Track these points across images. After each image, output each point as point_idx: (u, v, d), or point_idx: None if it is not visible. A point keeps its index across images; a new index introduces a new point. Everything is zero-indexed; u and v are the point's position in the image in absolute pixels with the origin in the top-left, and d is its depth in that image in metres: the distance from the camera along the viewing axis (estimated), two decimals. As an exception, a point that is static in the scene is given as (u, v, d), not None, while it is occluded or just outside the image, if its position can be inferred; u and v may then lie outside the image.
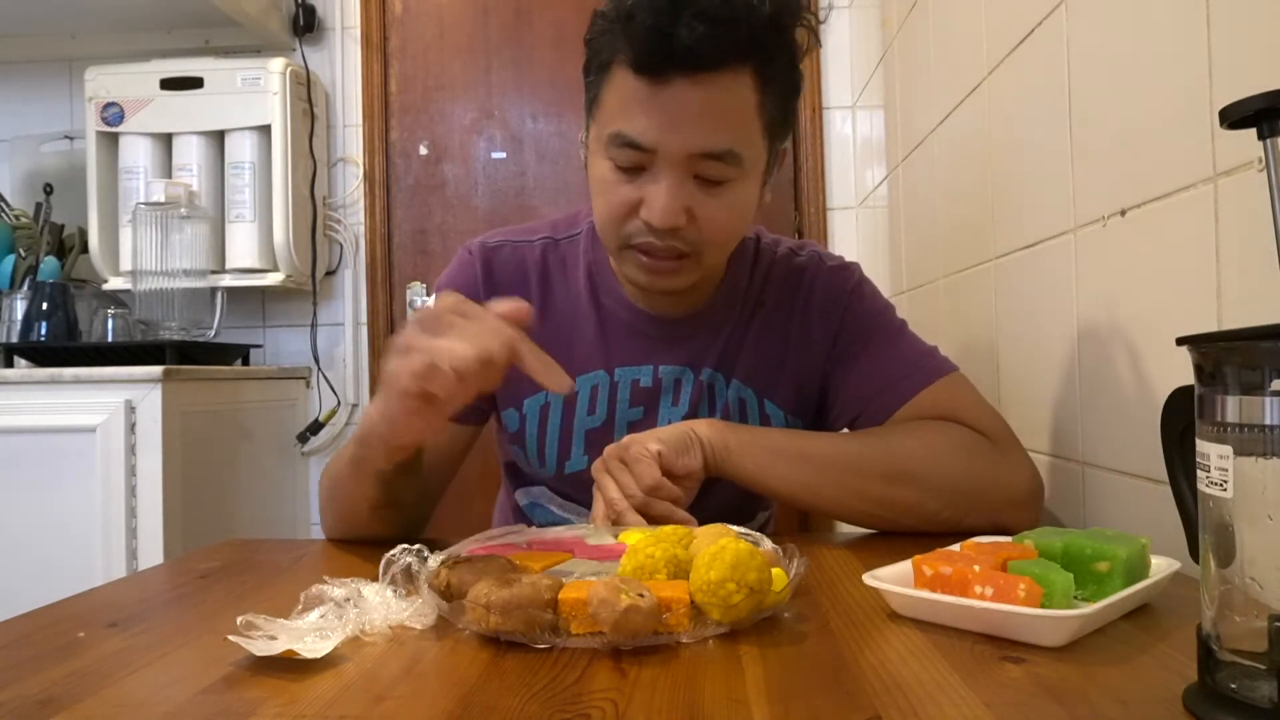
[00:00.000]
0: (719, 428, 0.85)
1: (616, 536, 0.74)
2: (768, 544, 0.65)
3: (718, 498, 0.96)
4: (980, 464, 0.85)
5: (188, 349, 1.87)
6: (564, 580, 0.56)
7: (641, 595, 0.51)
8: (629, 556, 0.60)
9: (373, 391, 2.21)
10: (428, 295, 2.25)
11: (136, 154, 2.10)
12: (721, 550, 0.54)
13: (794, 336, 0.97)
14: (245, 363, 2.11)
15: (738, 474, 0.85)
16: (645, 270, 0.86)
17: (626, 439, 0.82)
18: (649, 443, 0.81)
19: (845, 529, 0.95)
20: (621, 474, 0.79)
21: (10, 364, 1.87)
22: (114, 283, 2.10)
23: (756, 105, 0.81)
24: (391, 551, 0.61)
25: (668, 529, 0.65)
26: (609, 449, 0.82)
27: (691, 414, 0.95)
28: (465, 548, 0.67)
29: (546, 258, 0.98)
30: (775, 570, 0.57)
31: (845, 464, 0.85)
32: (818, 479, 0.84)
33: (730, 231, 0.87)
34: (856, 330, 0.97)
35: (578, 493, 0.98)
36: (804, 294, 0.98)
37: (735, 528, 0.69)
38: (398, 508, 0.82)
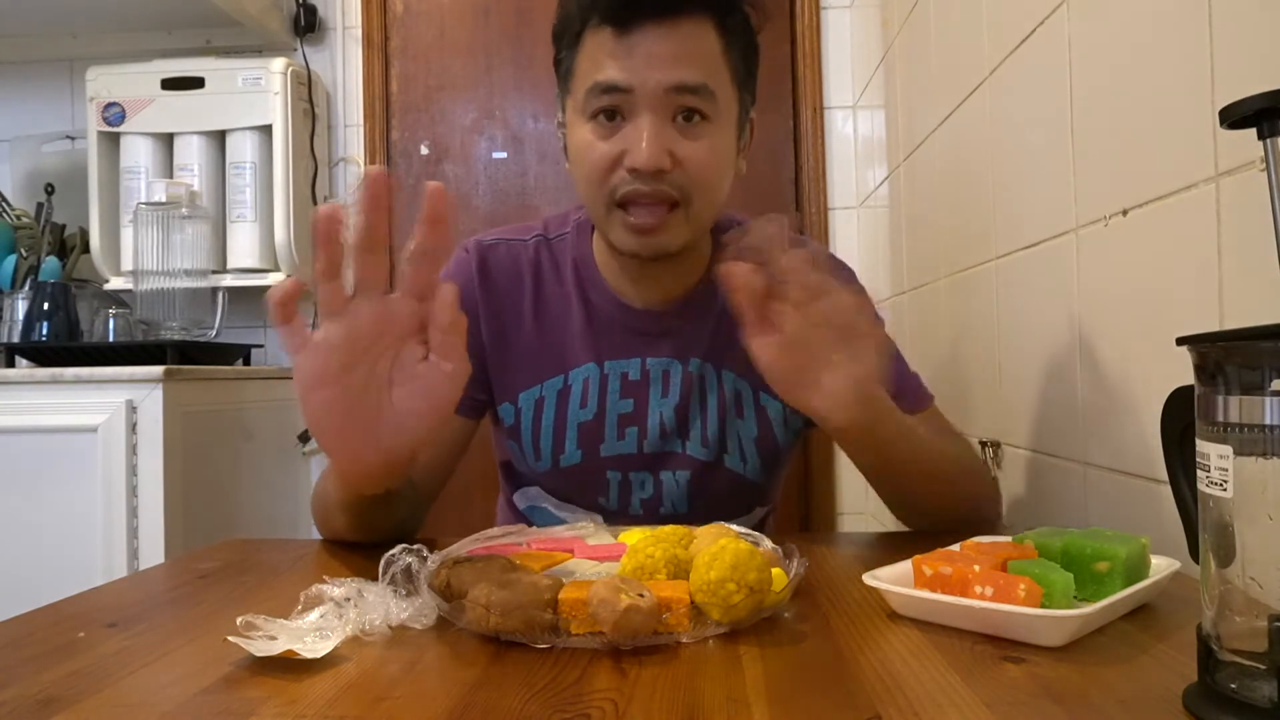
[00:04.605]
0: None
1: (616, 536, 0.74)
2: (767, 544, 0.65)
3: (717, 494, 0.97)
4: (988, 474, 0.94)
5: (189, 349, 1.87)
6: (564, 580, 0.56)
7: (641, 595, 0.51)
8: (629, 556, 0.60)
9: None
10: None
11: (138, 154, 2.10)
12: (721, 550, 0.54)
13: None
14: (246, 363, 2.11)
15: (882, 427, 0.79)
16: (635, 229, 0.86)
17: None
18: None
19: (845, 529, 0.95)
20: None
21: (11, 364, 1.87)
22: (115, 283, 2.10)
23: (722, 52, 0.86)
24: (391, 551, 0.61)
25: (667, 529, 0.65)
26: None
27: (683, 405, 0.96)
28: (465, 548, 0.67)
29: (540, 256, 1.00)
30: (775, 570, 0.57)
31: (943, 444, 0.88)
32: (932, 451, 0.85)
33: (714, 176, 0.87)
34: None
35: (572, 488, 0.98)
36: None
37: (735, 527, 0.69)
38: (371, 532, 0.82)
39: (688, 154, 0.84)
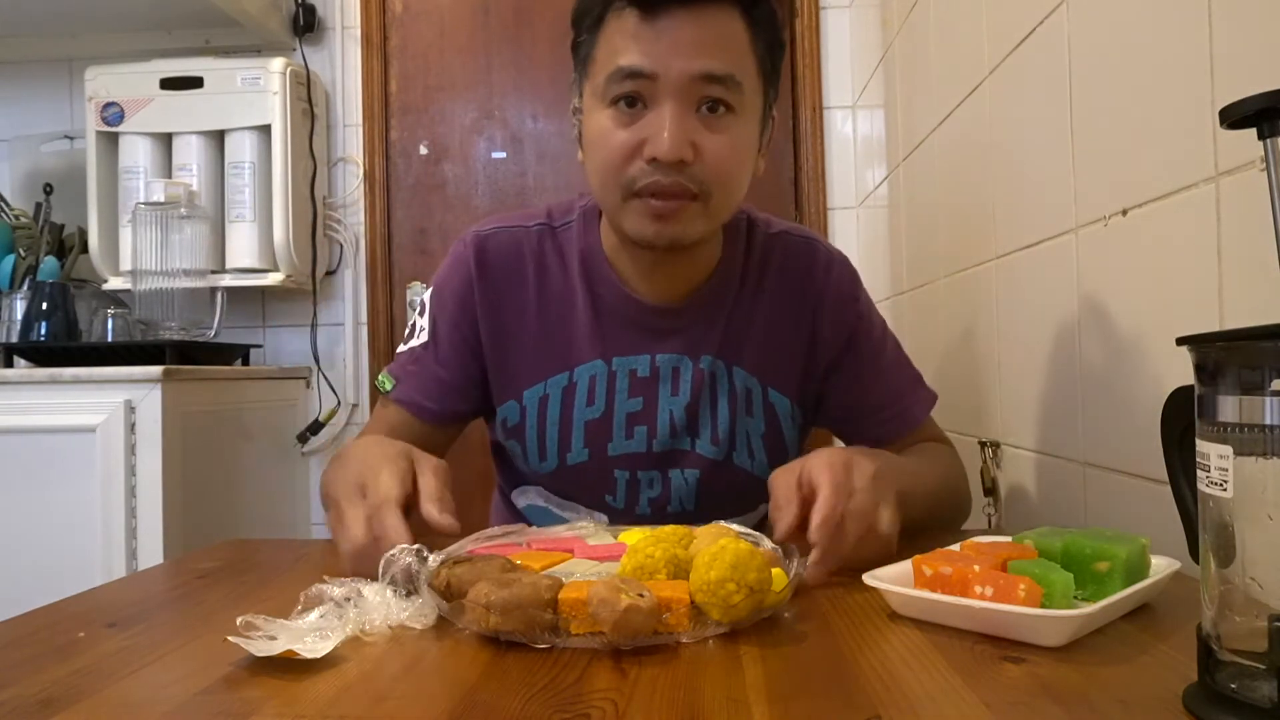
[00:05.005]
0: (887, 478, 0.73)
1: (616, 536, 0.74)
2: (767, 544, 0.65)
3: (725, 492, 0.97)
4: (965, 483, 0.99)
5: (188, 349, 1.87)
6: (564, 580, 0.56)
7: (641, 595, 0.51)
8: (629, 556, 0.60)
9: (372, 395, 2.21)
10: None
11: (136, 154, 2.10)
12: (721, 550, 0.54)
13: (803, 327, 0.97)
14: (245, 363, 2.11)
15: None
16: (652, 215, 0.84)
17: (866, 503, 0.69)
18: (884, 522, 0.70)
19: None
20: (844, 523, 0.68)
21: (10, 364, 1.87)
22: (114, 282, 2.10)
23: (749, 42, 0.84)
24: (391, 551, 0.61)
25: (668, 529, 0.65)
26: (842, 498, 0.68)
27: (693, 403, 0.95)
28: (465, 547, 0.67)
29: (543, 245, 0.97)
30: (775, 570, 0.57)
31: (936, 480, 0.91)
32: (929, 495, 0.88)
33: (736, 170, 0.86)
34: (869, 344, 0.99)
35: (578, 488, 0.97)
36: (817, 286, 0.98)
37: (735, 526, 0.69)
38: None
39: (710, 146, 0.82)
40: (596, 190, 0.89)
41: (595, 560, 0.67)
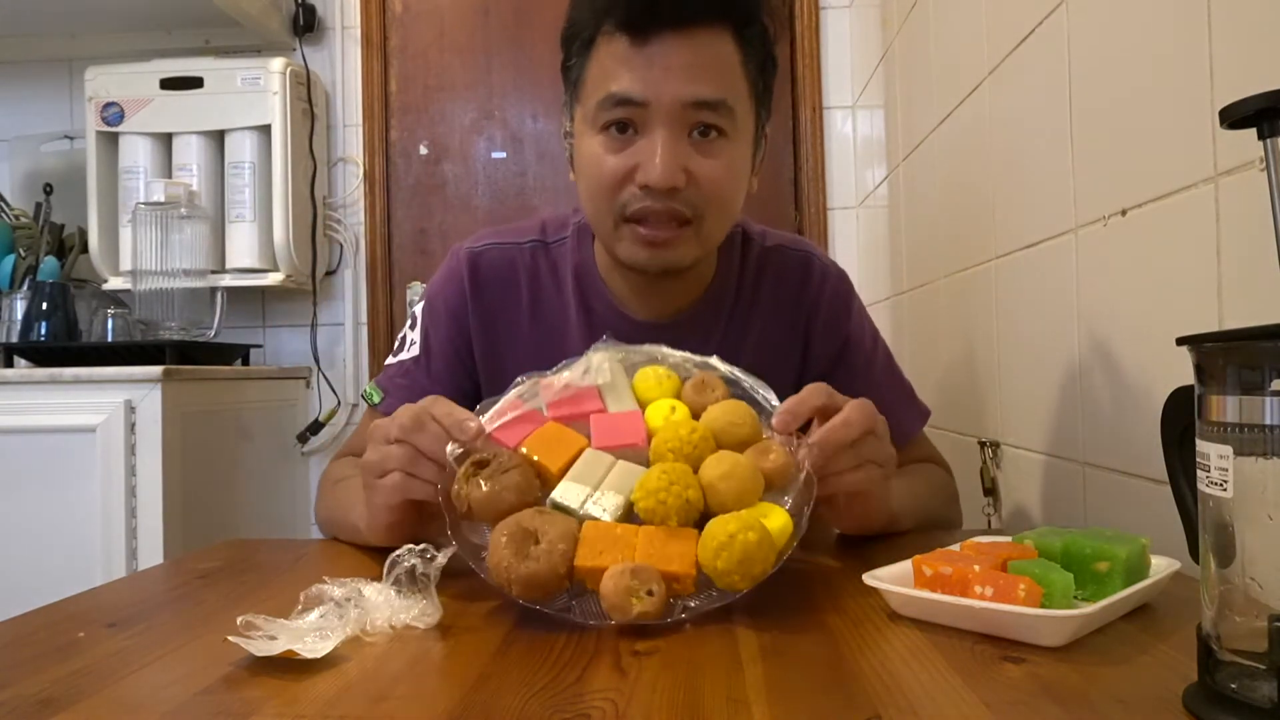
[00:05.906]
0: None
1: (632, 378, 0.73)
2: (773, 398, 0.70)
3: None
4: (955, 505, 1.00)
5: (188, 349, 1.87)
6: (580, 517, 0.60)
7: (650, 593, 0.54)
8: (642, 494, 0.60)
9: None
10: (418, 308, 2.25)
11: (136, 154, 2.10)
12: (731, 541, 0.56)
13: (797, 340, 0.97)
14: (245, 363, 2.11)
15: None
16: (645, 242, 0.83)
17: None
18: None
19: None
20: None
21: (10, 364, 1.87)
22: (114, 282, 2.10)
23: (740, 63, 0.83)
24: (397, 552, 0.61)
25: (675, 405, 0.68)
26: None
27: None
28: (486, 423, 0.68)
29: (537, 261, 0.97)
30: (782, 519, 0.60)
31: (930, 493, 0.93)
32: (921, 506, 0.89)
33: (729, 193, 0.85)
34: (859, 356, 0.98)
35: None
36: (810, 298, 0.97)
37: (745, 377, 0.73)
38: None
39: (703, 172, 0.81)
40: (589, 214, 0.88)
41: (611, 452, 0.65)
